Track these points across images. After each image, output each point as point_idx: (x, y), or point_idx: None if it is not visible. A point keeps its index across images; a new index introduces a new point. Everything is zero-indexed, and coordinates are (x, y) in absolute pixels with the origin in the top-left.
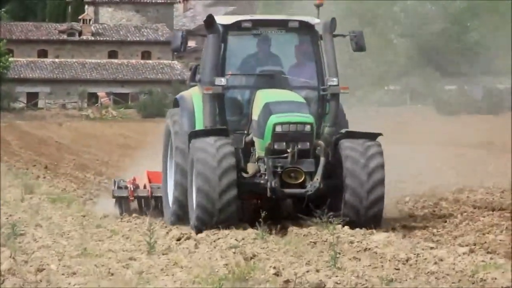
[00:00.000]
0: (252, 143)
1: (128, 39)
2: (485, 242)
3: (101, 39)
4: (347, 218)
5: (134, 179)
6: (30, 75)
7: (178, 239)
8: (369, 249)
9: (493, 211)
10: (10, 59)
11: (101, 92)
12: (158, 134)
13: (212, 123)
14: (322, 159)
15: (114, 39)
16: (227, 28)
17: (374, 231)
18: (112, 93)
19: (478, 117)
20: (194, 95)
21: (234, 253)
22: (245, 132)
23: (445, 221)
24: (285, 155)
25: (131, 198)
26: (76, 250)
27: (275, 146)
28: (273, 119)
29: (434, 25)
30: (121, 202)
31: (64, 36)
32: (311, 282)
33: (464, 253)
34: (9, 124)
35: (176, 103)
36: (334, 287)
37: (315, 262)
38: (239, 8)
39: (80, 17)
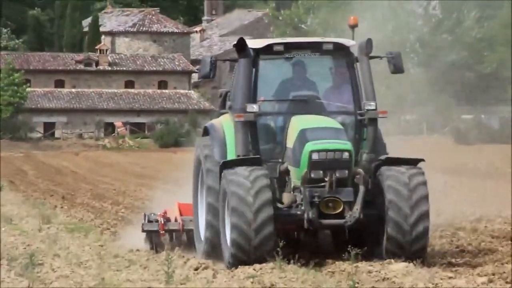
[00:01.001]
0: (287, 172)
1: (145, 68)
2: (504, 272)
3: (118, 69)
4: (389, 253)
5: (165, 212)
6: (47, 105)
7: (196, 269)
8: (388, 278)
9: (511, 240)
10: (28, 89)
11: (117, 122)
12: (176, 164)
13: (245, 152)
14: (361, 188)
15: (130, 69)
16: (259, 52)
17: (392, 260)
18: (128, 123)
19: (495, 147)
20: (224, 123)
21: (252, 282)
22: (280, 160)
23: (463, 251)
24: (323, 184)
25: (161, 232)
26: (94, 280)
27: (312, 175)
28: (309, 146)
29: (450, 55)
30: (151, 236)
31: (81, 66)
32: None
33: (483, 283)
34: (26, 154)
35: (205, 132)
36: None
37: None
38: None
39: (97, 47)
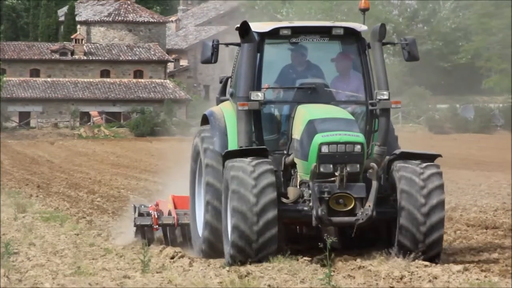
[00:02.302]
0: (293, 164)
1: (120, 58)
2: (479, 261)
3: (93, 58)
4: (402, 247)
5: (157, 204)
6: (22, 94)
7: (172, 257)
8: (363, 267)
9: (486, 229)
10: (3, 78)
11: (93, 111)
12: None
13: (248, 143)
14: (374, 183)
15: (106, 58)
16: (264, 36)
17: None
18: (104, 112)
19: (469, 136)
20: (225, 111)
21: (228, 271)
22: (285, 152)
23: None
24: (332, 179)
25: (155, 227)
26: (69, 269)
27: (321, 169)
28: (319, 138)
29: (425, 45)
30: (144, 231)
31: (57, 56)
32: None
33: (458, 271)
34: (1, 143)
35: (204, 120)
36: None
37: (310, 280)
38: (231, 28)
39: (72, 36)
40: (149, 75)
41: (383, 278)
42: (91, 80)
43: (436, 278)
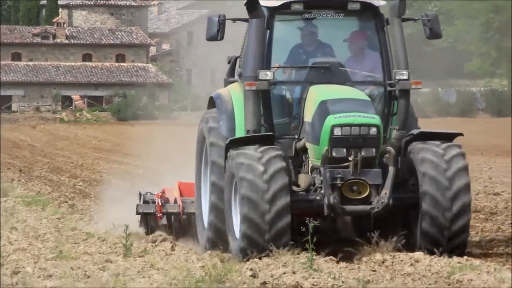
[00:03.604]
0: (304, 149)
1: (102, 42)
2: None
3: (75, 42)
4: (425, 236)
5: (163, 192)
6: (4, 78)
7: (154, 242)
8: (346, 250)
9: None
10: None
11: (75, 95)
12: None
13: (256, 126)
14: (391, 169)
15: (88, 42)
16: (274, 11)
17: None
18: (86, 96)
19: (451, 120)
20: (233, 93)
21: (210, 255)
22: (296, 136)
23: None
24: (346, 164)
25: (159, 215)
26: (51, 253)
27: (334, 154)
28: (331, 120)
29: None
30: (147, 219)
31: (38, 39)
32: (287, 284)
33: (440, 255)
34: None
35: (211, 103)
36: None
37: (292, 264)
38: (213, 12)
39: (54, 20)
40: (131, 59)
41: (365, 262)
42: (73, 64)
43: (417, 261)
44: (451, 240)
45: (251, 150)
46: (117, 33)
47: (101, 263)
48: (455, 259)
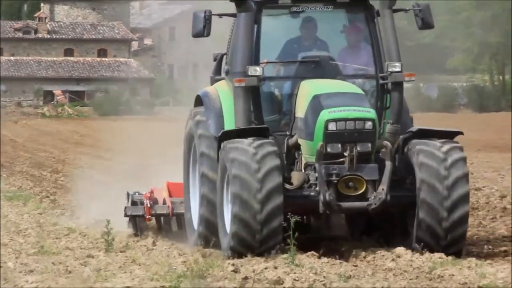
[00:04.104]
0: (296, 146)
1: (84, 37)
2: None
3: (57, 37)
4: (421, 243)
5: (152, 192)
6: None
7: (136, 236)
8: (330, 246)
9: None
10: None
11: (57, 90)
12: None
13: (246, 124)
14: (388, 164)
15: (70, 37)
16: (261, 5)
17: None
18: (68, 91)
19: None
20: (220, 91)
21: (192, 250)
22: (287, 133)
23: None
24: (341, 159)
25: (148, 217)
26: (33, 248)
27: (328, 149)
28: (325, 115)
29: None
30: (136, 221)
31: (20, 34)
32: (269, 279)
33: (421, 250)
34: None
35: (198, 102)
36: (292, 284)
37: (273, 259)
38: (195, 7)
39: (35, 15)
40: (113, 54)
41: (347, 257)
42: (54, 58)
43: (399, 257)
44: (447, 249)
45: (245, 145)
46: (99, 28)
47: (82, 258)
48: (437, 254)
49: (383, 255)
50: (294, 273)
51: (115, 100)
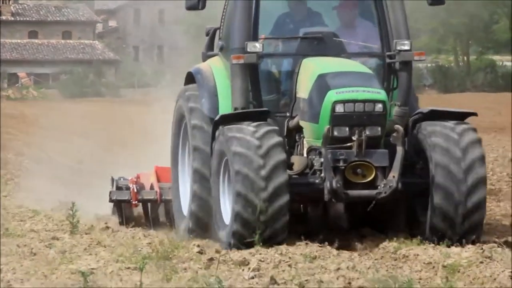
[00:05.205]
0: (298, 129)
1: (49, 19)
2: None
3: (21, 19)
4: (434, 231)
5: (138, 177)
6: None
7: (100, 219)
8: (294, 229)
9: None
10: None
11: (21, 73)
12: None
13: (244, 104)
14: (399, 149)
15: (34, 19)
16: None
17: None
18: (32, 74)
19: None
20: (215, 69)
21: (158, 232)
22: (287, 114)
23: None
24: (349, 144)
25: (134, 203)
26: None
27: (335, 133)
28: (332, 96)
29: None
30: (121, 207)
31: None
32: (234, 260)
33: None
34: None
35: (189, 79)
36: (257, 264)
37: None
38: None
39: None
40: (78, 36)
41: (329, 246)
42: (18, 41)
43: (364, 237)
44: (463, 236)
45: (244, 125)
46: (63, 10)
47: (47, 241)
48: (402, 234)
49: (349, 236)
50: (260, 253)
51: (80, 82)
